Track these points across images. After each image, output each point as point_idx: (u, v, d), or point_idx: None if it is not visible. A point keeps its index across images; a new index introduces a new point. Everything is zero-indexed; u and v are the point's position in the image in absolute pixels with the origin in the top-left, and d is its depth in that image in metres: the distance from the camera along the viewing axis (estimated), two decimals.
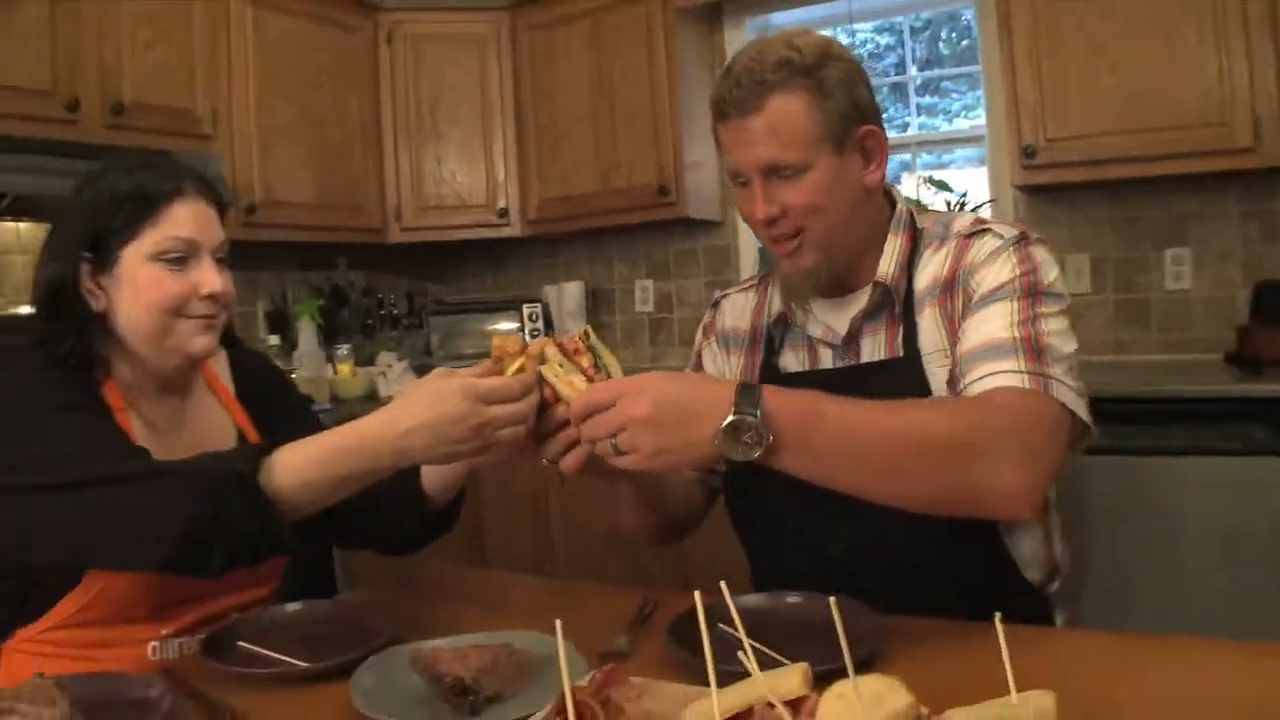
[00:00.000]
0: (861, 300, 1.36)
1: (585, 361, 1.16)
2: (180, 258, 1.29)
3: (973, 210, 3.31)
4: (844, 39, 3.78)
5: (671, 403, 1.06)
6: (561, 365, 1.17)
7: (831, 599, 0.79)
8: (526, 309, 4.08)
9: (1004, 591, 1.30)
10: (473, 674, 0.98)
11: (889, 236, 1.37)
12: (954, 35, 3.75)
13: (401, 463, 1.18)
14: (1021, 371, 1.16)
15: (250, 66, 3.38)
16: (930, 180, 3.51)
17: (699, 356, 1.59)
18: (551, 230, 4.04)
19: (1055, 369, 1.17)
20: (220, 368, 1.49)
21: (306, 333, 3.57)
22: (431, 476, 1.40)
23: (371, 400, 3.47)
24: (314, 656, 1.14)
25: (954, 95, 3.63)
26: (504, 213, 4.00)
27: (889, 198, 1.41)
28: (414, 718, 0.97)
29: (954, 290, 1.31)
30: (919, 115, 3.77)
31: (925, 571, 1.26)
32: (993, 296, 1.24)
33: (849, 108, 1.29)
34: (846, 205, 1.31)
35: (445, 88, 3.96)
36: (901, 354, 1.32)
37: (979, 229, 1.33)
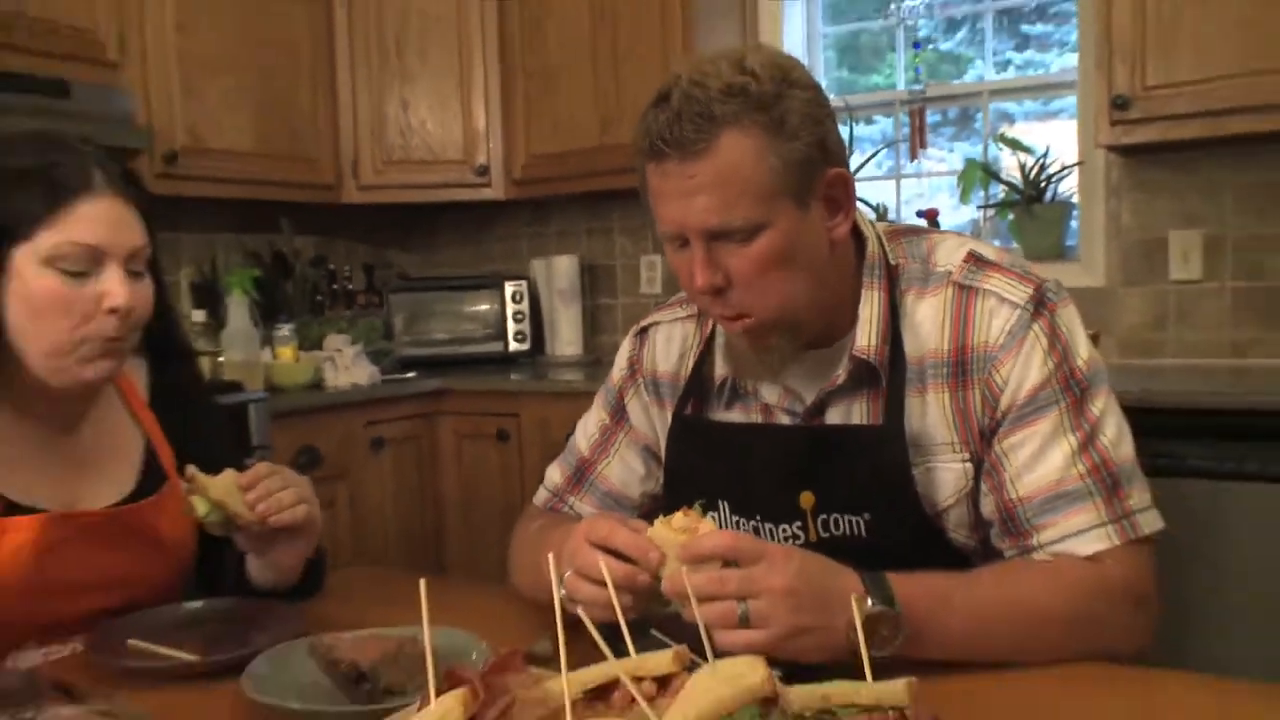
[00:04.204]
0: (832, 367, 1.29)
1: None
2: (80, 271, 1.24)
3: (1050, 174, 2.98)
4: None
5: (814, 576, 1.08)
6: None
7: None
8: (509, 287, 3.83)
9: None
10: (370, 663, 1.07)
11: (864, 292, 1.29)
12: None
13: None
14: (1104, 523, 1.18)
15: None
16: (1002, 138, 3.10)
17: (621, 399, 1.47)
18: (541, 192, 3.80)
19: (1133, 495, 1.20)
20: (137, 375, 1.45)
21: (238, 308, 3.18)
22: (258, 574, 1.40)
23: (315, 389, 3.19)
24: (210, 652, 1.20)
25: (1073, 23, 3.21)
26: (483, 170, 3.73)
27: (855, 232, 1.32)
28: (308, 702, 1.06)
29: (967, 377, 1.25)
30: (1026, 48, 3.37)
31: None
32: (1032, 408, 1.22)
33: (814, 150, 1.19)
34: (809, 269, 1.24)
35: (414, 13, 3.66)
36: (881, 422, 1.27)
37: (976, 278, 1.26)
